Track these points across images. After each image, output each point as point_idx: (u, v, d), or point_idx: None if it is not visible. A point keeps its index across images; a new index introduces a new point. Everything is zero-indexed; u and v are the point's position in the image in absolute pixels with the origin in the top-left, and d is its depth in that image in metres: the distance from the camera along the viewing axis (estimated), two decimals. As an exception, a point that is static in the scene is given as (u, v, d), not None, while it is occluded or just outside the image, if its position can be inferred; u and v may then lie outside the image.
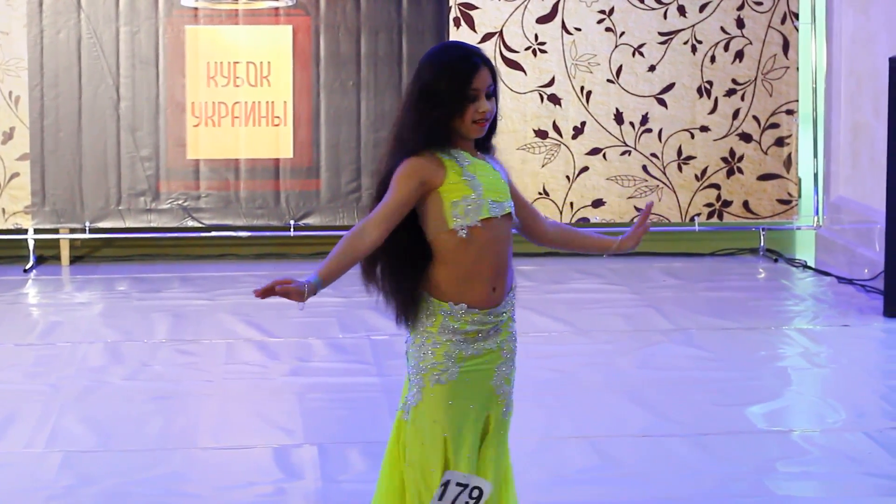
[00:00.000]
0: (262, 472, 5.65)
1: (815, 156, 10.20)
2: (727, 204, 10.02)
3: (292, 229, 9.76)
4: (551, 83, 9.89)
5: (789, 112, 10.02)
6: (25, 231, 9.67)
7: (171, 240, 9.96)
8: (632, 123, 9.92)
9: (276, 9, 9.70)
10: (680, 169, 9.98)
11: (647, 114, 9.93)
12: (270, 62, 9.71)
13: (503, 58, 9.79)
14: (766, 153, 10.00)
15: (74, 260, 9.88)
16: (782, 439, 6.07)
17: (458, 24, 9.79)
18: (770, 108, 10.00)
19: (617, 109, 9.91)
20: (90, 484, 5.53)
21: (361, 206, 9.66)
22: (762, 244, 10.10)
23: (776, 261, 9.90)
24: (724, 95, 9.98)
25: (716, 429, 6.18)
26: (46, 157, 9.57)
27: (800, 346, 7.60)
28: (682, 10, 9.90)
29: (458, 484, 3.93)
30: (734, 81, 9.97)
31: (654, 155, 9.94)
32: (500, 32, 9.84)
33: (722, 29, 9.94)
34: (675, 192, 9.98)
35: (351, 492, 5.41)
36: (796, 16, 9.97)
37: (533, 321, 8.03)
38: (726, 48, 9.95)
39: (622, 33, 9.89)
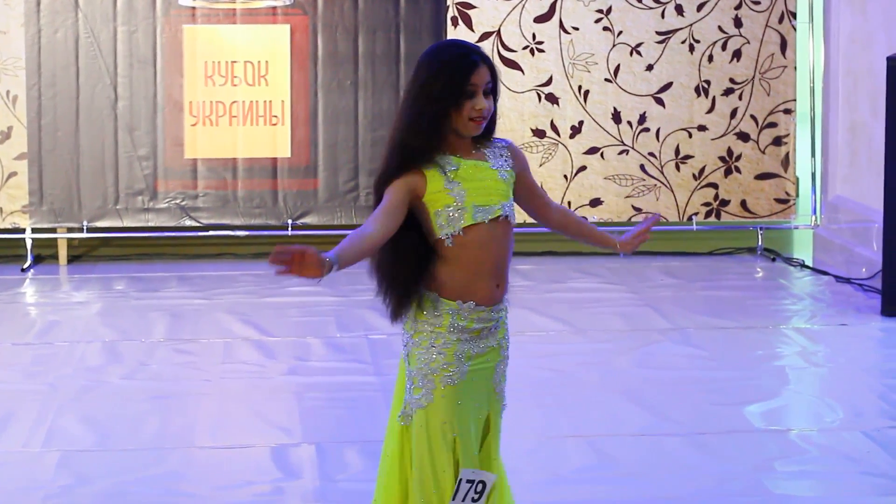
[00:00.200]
0: (260, 472, 5.65)
1: (813, 155, 10.20)
2: (725, 203, 10.02)
3: (290, 228, 9.75)
4: (549, 82, 9.89)
5: (787, 111, 10.01)
6: (23, 230, 9.66)
7: (168, 239, 9.95)
8: (629, 123, 9.92)
9: (274, 8, 9.69)
10: (678, 168, 9.98)
11: (644, 113, 9.93)
12: (268, 61, 9.70)
13: (501, 57, 9.79)
14: (763, 152, 10.00)
15: (72, 259, 9.88)
16: (780, 438, 6.07)
17: (455, 24, 9.79)
18: (768, 107, 10.00)
19: (615, 109, 9.91)
20: (88, 483, 5.52)
21: (359, 206, 9.66)
22: (760, 243, 10.10)
23: (774, 260, 9.89)
24: (722, 95, 9.98)
25: (714, 428, 6.18)
26: (44, 157, 9.57)
27: (797, 346, 7.60)
28: (679, 10, 9.90)
29: (468, 481, 3.95)
30: (732, 81, 9.97)
31: (651, 154, 9.94)
32: (498, 31, 9.83)
33: (719, 28, 9.94)
34: (672, 191, 9.98)
35: (349, 491, 5.41)
36: (794, 15, 9.97)
37: (531, 320, 8.02)
38: (724, 47, 9.95)
39: (620, 32, 9.89)
